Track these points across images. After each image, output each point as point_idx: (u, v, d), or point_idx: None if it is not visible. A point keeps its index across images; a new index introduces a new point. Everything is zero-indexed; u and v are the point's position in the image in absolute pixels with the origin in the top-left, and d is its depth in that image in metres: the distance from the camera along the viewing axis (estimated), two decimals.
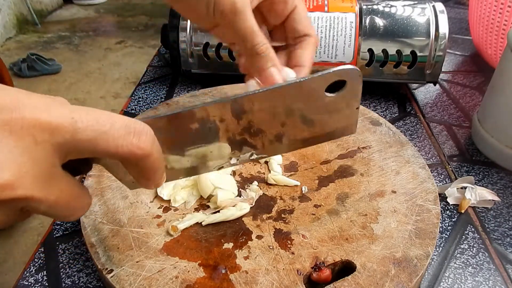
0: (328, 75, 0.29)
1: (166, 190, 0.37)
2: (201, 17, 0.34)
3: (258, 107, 0.30)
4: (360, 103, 0.31)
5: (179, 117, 0.28)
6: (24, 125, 0.20)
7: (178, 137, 0.29)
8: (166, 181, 0.29)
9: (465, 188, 0.42)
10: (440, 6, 0.55)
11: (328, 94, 0.30)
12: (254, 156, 0.32)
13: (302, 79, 0.29)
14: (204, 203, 0.37)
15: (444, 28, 0.53)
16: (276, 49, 0.35)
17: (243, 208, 0.36)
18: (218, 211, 0.36)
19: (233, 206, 0.36)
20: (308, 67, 0.35)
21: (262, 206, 0.37)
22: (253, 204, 0.37)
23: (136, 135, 0.23)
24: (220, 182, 0.37)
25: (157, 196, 0.38)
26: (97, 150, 0.22)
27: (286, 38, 0.35)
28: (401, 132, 0.47)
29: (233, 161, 0.32)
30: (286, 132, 0.32)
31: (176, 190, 0.37)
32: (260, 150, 0.32)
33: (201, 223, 0.35)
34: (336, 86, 0.30)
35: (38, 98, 0.21)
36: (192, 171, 0.32)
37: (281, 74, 0.34)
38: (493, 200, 0.41)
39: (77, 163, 0.24)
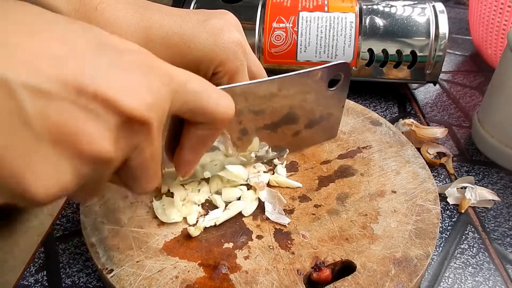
0: (329, 67, 0.31)
1: (186, 210, 0.36)
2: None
3: (270, 94, 0.31)
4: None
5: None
6: (149, 65, 0.21)
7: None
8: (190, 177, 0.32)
9: (465, 188, 0.42)
10: (440, 6, 0.55)
11: (330, 88, 0.32)
12: (270, 153, 0.35)
13: (308, 70, 0.31)
14: (209, 199, 0.37)
15: (444, 28, 0.53)
16: None
17: (250, 202, 0.36)
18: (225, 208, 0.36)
19: (238, 199, 0.37)
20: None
21: (262, 206, 0.37)
22: (265, 187, 0.37)
23: (228, 97, 0.25)
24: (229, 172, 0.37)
25: (157, 196, 0.38)
26: (198, 105, 0.23)
27: None
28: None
29: (252, 154, 0.36)
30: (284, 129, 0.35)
31: (189, 206, 0.36)
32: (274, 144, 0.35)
33: None
34: (331, 83, 0.31)
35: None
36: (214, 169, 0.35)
37: None
38: (493, 200, 0.41)
39: None
